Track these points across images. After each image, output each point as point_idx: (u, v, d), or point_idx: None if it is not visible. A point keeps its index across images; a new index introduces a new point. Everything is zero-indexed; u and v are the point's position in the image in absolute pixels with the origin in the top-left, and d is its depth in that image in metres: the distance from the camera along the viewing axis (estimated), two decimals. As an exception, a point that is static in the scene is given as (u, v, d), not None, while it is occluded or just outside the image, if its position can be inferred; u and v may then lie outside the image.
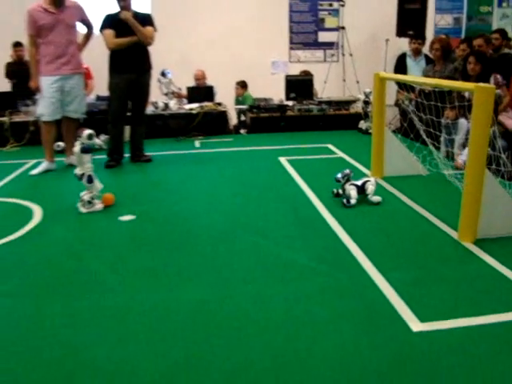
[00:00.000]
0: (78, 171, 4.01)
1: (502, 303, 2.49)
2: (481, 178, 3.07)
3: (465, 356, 2.09)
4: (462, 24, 10.03)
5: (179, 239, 3.44)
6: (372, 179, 4.15)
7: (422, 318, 2.36)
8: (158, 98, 7.25)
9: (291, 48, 9.69)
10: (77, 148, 3.99)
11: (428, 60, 7.25)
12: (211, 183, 4.83)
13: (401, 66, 7.29)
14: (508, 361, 2.06)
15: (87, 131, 3.98)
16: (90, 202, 4.02)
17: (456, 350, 2.13)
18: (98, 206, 4.08)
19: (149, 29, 5.40)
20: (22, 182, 5.03)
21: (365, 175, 4.66)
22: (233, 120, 7.93)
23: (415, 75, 6.82)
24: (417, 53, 7.23)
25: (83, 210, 4.03)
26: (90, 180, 3.99)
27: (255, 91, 8.09)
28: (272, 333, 2.29)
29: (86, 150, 3.96)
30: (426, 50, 7.42)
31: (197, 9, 8.90)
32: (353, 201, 3.98)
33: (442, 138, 5.20)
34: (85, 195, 4.03)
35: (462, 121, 5.00)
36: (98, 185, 4.05)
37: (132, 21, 5.26)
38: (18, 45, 7.58)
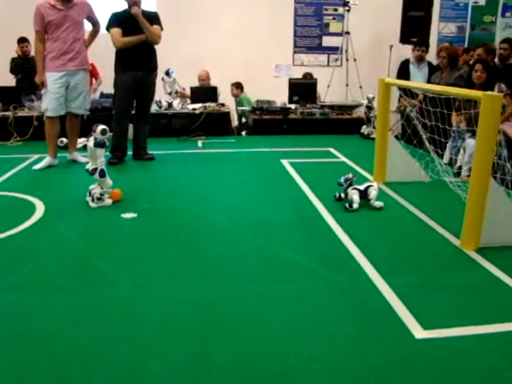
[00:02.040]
0: (89, 166, 4.06)
1: (505, 312, 2.50)
2: (485, 185, 3.08)
3: (468, 365, 2.09)
4: (466, 33, 10.08)
5: (182, 238, 3.44)
6: (374, 184, 4.16)
7: (425, 325, 2.36)
8: (161, 97, 7.27)
9: (295, 51, 9.72)
10: (91, 143, 4.03)
11: (431, 67, 7.27)
12: (214, 183, 4.84)
13: (404, 72, 7.30)
14: (510, 371, 2.06)
15: (101, 126, 4.03)
16: (99, 199, 4.05)
17: (459, 359, 2.13)
18: (107, 201, 4.11)
19: (156, 27, 5.41)
20: (25, 177, 5.04)
21: (367, 180, 4.67)
22: (235, 121, 7.95)
23: (417, 81, 6.85)
24: (420, 60, 7.25)
25: (93, 204, 4.06)
26: (103, 174, 4.05)
27: (258, 93, 8.09)
28: (274, 333, 2.30)
29: (99, 144, 4.01)
30: (428, 57, 7.45)
31: (202, 10, 8.93)
32: (355, 205, 3.98)
33: (448, 144, 5.21)
34: (94, 189, 4.07)
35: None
36: (108, 181, 4.11)
37: (141, 18, 5.27)
38: (23, 40, 7.61)
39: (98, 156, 4.02)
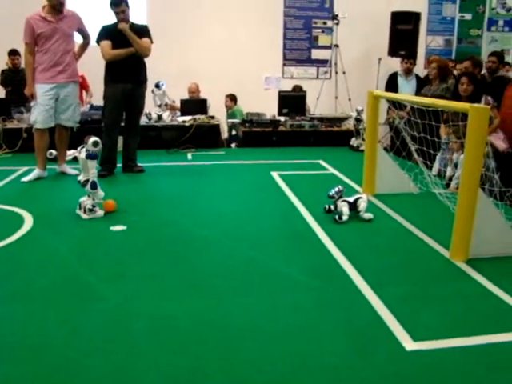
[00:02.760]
0: (81, 177, 4.07)
1: (494, 323, 2.51)
2: (474, 197, 3.10)
3: (459, 377, 2.09)
4: (453, 46, 10.22)
5: (171, 250, 3.43)
6: (364, 196, 4.17)
7: (416, 337, 2.36)
8: (151, 109, 7.27)
9: (284, 64, 9.78)
10: (82, 154, 4.03)
11: (419, 80, 7.37)
12: (203, 196, 4.83)
13: (392, 84, 7.39)
14: (500, 382, 2.06)
15: (92, 138, 4.03)
16: (91, 210, 4.04)
17: (450, 371, 2.12)
18: (99, 212, 4.10)
19: (146, 40, 5.43)
20: (14, 189, 5.00)
21: (356, 192, 4.69)
22: (225, 133, 7.96)
23: (406, 94, 6.93)
24: (408, 72, 7.35)
25: (84, 216, 4.05)
26: (94, 186, 4.03)
27: (248, 105, 8.14)
28: (265, 346, 2.28)
29: (91, 156, 4.01)
30: (416, 70, 7.54)
31: (192, 22, 8.97)
32: (345, 217, 3.99)
33: (437, 156, 5.24)
34: (86, 201, 4.05)
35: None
36: (100, 192, 4.09)
37: (129, 32, 5.29)
38: (13, 53, 7.60)
39: (90, 168, 4.01)
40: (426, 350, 2.27)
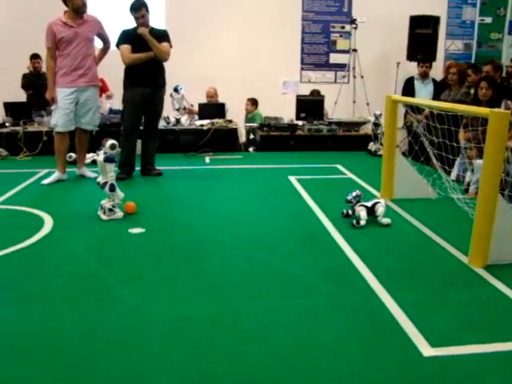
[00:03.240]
0: (100, 179, 4.13)
1: (513, 330, 2.49)
2: (493, 202, 3.07)
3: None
4: (473, 50, 10.12)
5: (188, 254, 3.45)
6: (382, 201, 4.15)
7: (433, 343, 2.34)
8: (169, 113, 7.32)
9: (302, 68, 9.78)
10: (100, 157, 4.08)
11: (436, 84, 7.32)
12: (221, 199, 4.85)
13: (409, 88, 7.36)
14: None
15: (110, 141, 4.09)
16: (111, 210, 4.10)
17: (468, 378, 2.10)
18: (119, 214, 4.15)
19: (165, 45, 5.47)
20: (34, 191, 5.08)
21: (374, 196, 4.67)
22: (242, 137, 7.98)
23: (423, 98, 6.89)
24: (424, 76, 7.32)
25: (104, 217, 4.11)
26: (113, 188, 4.09)
27: (266, 110, 8.16)
28: (279, 350, 2.28)
29: (109, 159, 4.07)
30: (435, 74, 7.48)
31: (211, 27, 9.03)
32: (362, 222, 3.98)
33: (456, 162, 5.19)
34: (106, 203, 4.10)
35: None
36: (119, 193, 4.15)
37: (148, 37, 5.34)
38: (35, 57, 7.73)
39: (108, 170, 4.08)
40: (444, 355, 2.25)
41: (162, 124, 6.77)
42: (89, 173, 5.66)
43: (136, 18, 5.37)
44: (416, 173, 4.80)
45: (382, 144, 6.03)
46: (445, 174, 4.84)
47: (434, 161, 4.76)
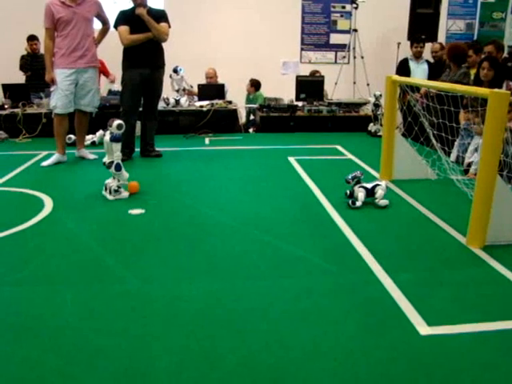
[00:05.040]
0: (106, 159, 4.19)
1: (510, 309, 2.51)
2: (492, 183, 3.08)
3: (472, 362, 2.10)
4: (475, 30, 10.03)
5: (188, 234, 3.47)
6: (383, 183, 4.14)
7: (430, 322, 2.37)
8: (169, 94, 7.29)
9: (302, 49, 9.72)
10: (107, 137, 4.13)
11: (430, 64, 7.29)
12: (221, 180, 4.86)
13: (404, 69, 7.31)
14: (514, 366, 2.07)
15: (117, 121, 4.13)
16: (116, 191, 4.15)
17: (463, 356, 2.13)
18: (124, 193, 4.22)
19: (163, 25, 5.43)
20: (33, 173, 5.08)
21: (374, 178, 4.67)
22: (242, 118, 7.96)
23: (418, 78, 6.87)
24: (418, 56, 7.27)
25: (110, 197, 4.17)
26: (119, 168, 4.15)
27: (266, 91, 8.14)
28: (279, 329, 2.32)
29: (115, 139, 4.12)
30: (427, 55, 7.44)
31: (210, 7, 8.95)
32: (358, 203, 3.99)
33: (456, 142, 5.19)
34: (111, 183, 4.16)
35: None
36: (125, 173, 4.22)
37: (147, 17, 5.29)
38: (32, 38, 7.68)
39: (114, 150, 4.13)
40: (441, 334, 2.28)
41: (161, 105, 6.74)
42: (88, 154, 5.66)
43: (134, -2, 5.33)
44: (416, 154, 4.80)
45: (381, 125, 6.02)
46: (444, 155, 4.84)
47: (434, 142, 4.76)
